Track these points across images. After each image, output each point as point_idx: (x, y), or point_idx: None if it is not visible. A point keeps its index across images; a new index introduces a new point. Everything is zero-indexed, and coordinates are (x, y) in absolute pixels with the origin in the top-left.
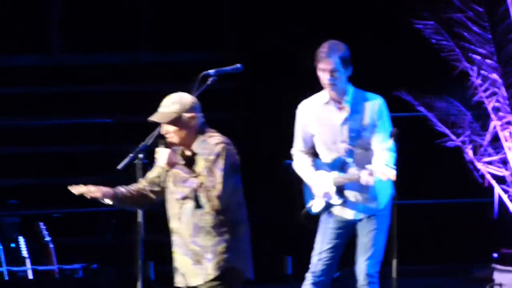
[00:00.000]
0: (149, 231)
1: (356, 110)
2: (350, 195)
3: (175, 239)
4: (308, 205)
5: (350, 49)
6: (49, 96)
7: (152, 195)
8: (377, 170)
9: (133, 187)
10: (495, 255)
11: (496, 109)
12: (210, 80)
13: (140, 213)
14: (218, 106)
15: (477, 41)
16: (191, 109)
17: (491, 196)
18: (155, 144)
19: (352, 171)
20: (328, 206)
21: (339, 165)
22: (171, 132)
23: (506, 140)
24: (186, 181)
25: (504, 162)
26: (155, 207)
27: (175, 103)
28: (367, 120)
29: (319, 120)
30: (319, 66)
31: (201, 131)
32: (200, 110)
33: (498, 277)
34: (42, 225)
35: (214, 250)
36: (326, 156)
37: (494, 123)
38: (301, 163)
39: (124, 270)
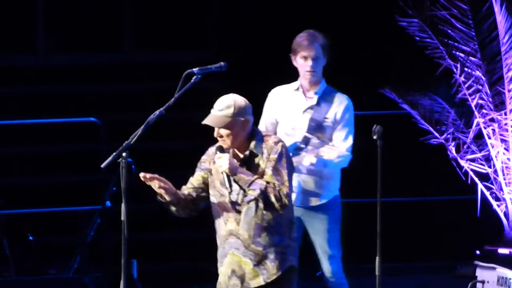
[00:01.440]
0: (132, 229)
1: (322, 103)
2: (297, 181)
3: (231, 241)
4: None
5: (335, 47)
6: (34, 96)
7: (198, 201)
8: (322, 148)
9: (182, 191)
10: (478, 252)
11: (479, 107)
12: (194, 78)
13: (123, 211)
14: (202, 105)
15: (461, 38)
16: (245, 112)
17: (474, 193)
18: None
19: (302, 155)
20: None
21: (293, 151)
22: (224, 136)
23: (490, 138)
24: (251, 184)
25: (487, 159)
26: (196, 214)
27: (229, 106)
28: (330, 115)
29: (285, 106)
30: (301, 53)
31: (253, 133)
32: (252, 113)
33: (480, 274)
34: (26, 225)
35: (276, 250)
36: (288, 141)
37: (478, 121)
38: None
39: (107, 268)
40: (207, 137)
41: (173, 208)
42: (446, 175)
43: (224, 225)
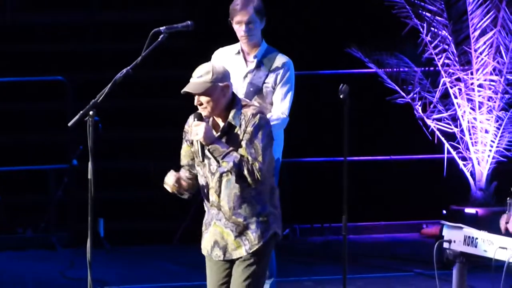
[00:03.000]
0: (99, 188)
1: (261, 67)
2: None
3: (213, 212)
4: None
5: (304, 7)
6: (0, 54)
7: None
8: None
9: (185, 175)
10: (445, 212)
11: (446, 66)
12: (161, 37)
13: (90, 170)
14: (169, 64)
15: None
16: (224, 77)
17: (441, 153)
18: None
19: None
20: None
21: None
22: (204, 103)
23: (456, 97)
24: (225, 156)
25: (454, 119)
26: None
27: (208, 72)
28: (270, 80)
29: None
30: (235, 19)
31: (233, 100)
32: (230, 79)
33: (447, 233)
34: None
35: (257, 220)
36: None
37: (444, 80)
38: None
39: (74, 226)
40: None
41: (185, 196)
42: (413, 135)
43: (207, 195)
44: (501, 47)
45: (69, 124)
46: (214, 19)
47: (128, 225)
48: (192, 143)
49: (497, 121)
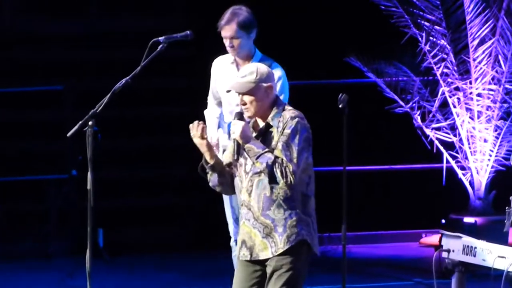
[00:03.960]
0: (99, 198)
1: None
2: None
3: (243, 212)
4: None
5: (302, 15)
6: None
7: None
8: None
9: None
10: (443, 221)
11: (445, 75)
12: (160, 47)
13: (89, 180)
14: (168, 73)
15: (426, 7)
16: (268, 78)
17: (439, 162)
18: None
19: None
20: None
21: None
22: (247, 103)
23: (455, 106)
24: (260, 156)
25: (452, 128)
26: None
27: (252, 72)
28: None
29: (222, 80)
30: (221, 33)
31: (275, 102)
32: (274, 80)
33: (446, 242)
34: None
35: (285, 223)
36: (226, 117)
37: (443, 89)
38: (208, 113)
39: (73, 237)
40: (172, 105)
41: (214, 177)
42: (412, 144)
43: (240, 194)
44: (499, 56)
45: (68, 134)
46: (213, 28)
47: (127, 235)
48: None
49: (496, 130)
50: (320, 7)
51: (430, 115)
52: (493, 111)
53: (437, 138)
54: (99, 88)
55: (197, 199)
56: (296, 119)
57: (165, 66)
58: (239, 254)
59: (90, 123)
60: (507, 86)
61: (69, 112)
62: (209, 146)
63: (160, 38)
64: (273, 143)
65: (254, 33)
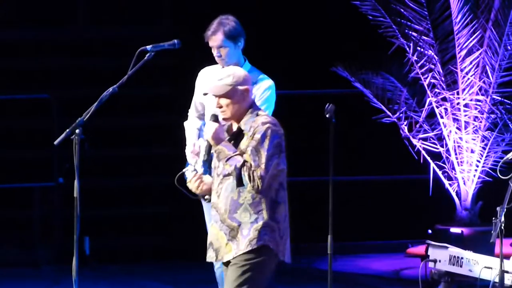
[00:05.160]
0: (85, 206)
1: None
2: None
3: (213, 213)
4: (184, 169)
5: (288, 25)
6: None
7: None
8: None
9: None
10: (430, 231)
11: (432, 86)
12: (147, 56)
13: (76, 188)
14: (156, 82)
15: (413, 17)
16: (245, 81)
17: (426, 172)
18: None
19: None
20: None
21: None
22: (224, 106)
23: (442, 117)
24: (230, 159)
25: (439, 138)
26: None
27: (229, 75)
28: None
29: None
30: (209, 43)
31: (251, 106)
32: (251, 83)
33: (432, 253)
34: None
35: (250, 227)
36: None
37: (430, 100)
38: (188, 126)
39: (59, 244)
40: (160, 114)
41: (207, 197)
42: (399, 154)
43: (212, 196)
44: (487, 67)
45: (55, 142)
46: (201, 36)
47: (113, 243)
48: None
49: (483, 141)
50: (307, 17)
51: (417, 126)
52: (480, 121)
53: (424, 149)
54: (86, 96)
55: (184, 208)
56: (267, 125)
57: (153, 75)
58: (207, 255)
59: (77, 131)
60: (494, 96)
61: (56, 120)
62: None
63: (147, 47)
64: (243, 147)
65: (242, 43)
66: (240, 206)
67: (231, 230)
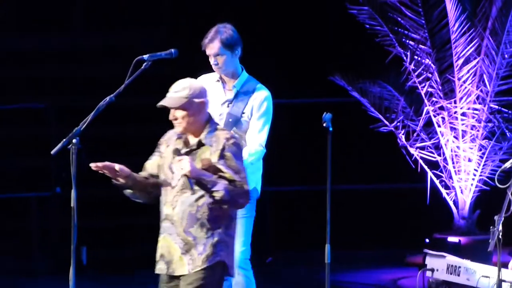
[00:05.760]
0: (83, 216)
1: (240, 97)
2: None
3: (166, 226)
4: None
5: (286, 35)
6: None
7: (154, 187)
8: None
9: (140, 174)
10: (427, 240)
11: (429, 94)
12: (144, 65)
13: (73, 198)
14: (152, 91)
15: (411, 26)
16: (201, 94)
17: (424, 181)
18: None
19: None
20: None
21: None
22: (179, 118)
23: (439, 126)
24: (216, 185)
25: (437, 147)
26: (155, 200)
27: (185, 88)
28: (247, 110)
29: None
30: (206, 51)
31: (208, 120)
32: (207, 96)
33: (430, 262)
34: None
35: (206, 242)
36: None
37: (427, 109)
38: None
39: (57, 254)
40: (155, 124)
41: (128, 191)
42: (396, 163)
43: (164, 207)
44: (484, 76)
45: (52, 152)
46: (197, 45)
47: (111, 253)
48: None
49: (480, 150)
50: (305, 26)
51: (415, 134)
52: (478, 130)
53: (421, 157)
54: (83, 105)
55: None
56: (233, 140)
57: (149, 84)
58: (156, 268)
59: (74, 140)
60: (491, 105)
61: (53, 130)
62: (127, 176)
63: (144, 56)
64: (206, 162)
65: (239, 51)
66: (198, 221)
67: (185, 243)
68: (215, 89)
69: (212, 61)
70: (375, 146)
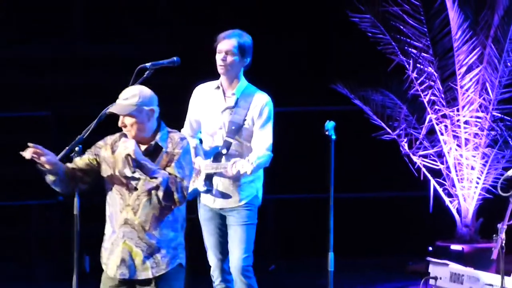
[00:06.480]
0: (85, 223)
1: (241, 104)
2: (214, 183)
3: (125, 230)
4: None
5: (287, 42)
6: None
7: (78, 181)
8: (238, 162)
9: (69, 165)
10: (430, 248)
11: (432, 103)
12: (146, 73)
13: (76, 205)
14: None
15: (413, 34)
16: (150, 102)
17: (426, 189)
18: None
19: (223, 162)
20: (194, 191)
21: (214, 154)
22: (128, 125)
23: (442, 134)
24: (155, 172)
25: (439, 155)
26: (73, 192)
27: (135, 95)
28: (248, 117)
29: (205, 104)
30: (218, 47)
31: (159, 125)
32: (158, 104)
33: (433, 270)
34: None
35: (168, 245)
36: (206, 143)
37: (430, 117)
38: None
39: (59, 262)
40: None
41: (51, 178)
42: (399, 171)
43: (120, 213)
44: (487, 84)
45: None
46: (197, 54)
47: None
48: (102, 159)
49: (483, 158)
50: (307, 34)
51: (417, 142)
52: (481, 138)
53: (424, 166)
54: (86, 114)
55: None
56: (185, 140)
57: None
58: (116, 274)
59: (77, 148)
60: (494, 113)
61: (56, 138)
62: (54, 164)
63: (146, 64)
64: (162, 163)
65: (248, 60)
66: (161, 223)
67: (148, 247)
68: (214, 96)
69: (220, 56)
70: (378, 154)
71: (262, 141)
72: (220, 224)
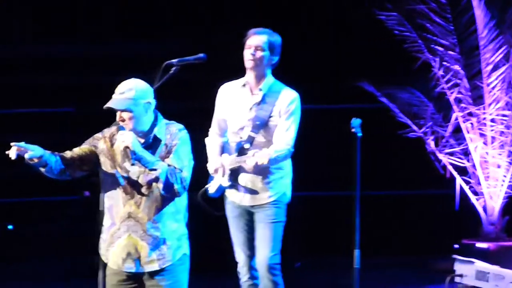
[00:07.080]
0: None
1: (267, 100)
2: (242, 180)
3: (129, 224)
4: (207, 185)
5: (315, 41)
6: (11, 86)
7: (75, 168)
8: (257, 154)
9: (68, 153)
10: (456, 246)
11: (458, 100)
12: (173, 69)
13: (101, 201)
14: (181, 96)
15: (439, 32)
16: (146, 95)
17: (452, 187)
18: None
19: (245, 156)
20: (221, 188)
21: (238, 150)
22: (126, 119)
23: (468, 132)
24: (155, 163)
25: (465, 153)
26: (69, 179)
27: (131, 89)
28: (275, 112)
29: (232, 103)
30: (248, 42)
31: (156, 118)
32: (154, 97)
33: (459, 268)
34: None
35: (173, 236)
36: (232, 139)
37: (456, 114)
38: (210, 143)
39: (86, 258)
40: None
41: (41, 169)
42: (425, 169)
43: (123, 206)
44: None
45: None
46: (218, 52)
47: None
48: (100, 151)
49: (509, 156)
50: (334, 33)
51: (443, 140)
52: (507, 136)
53: (450, 163)
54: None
55: (200, 223)
56: (184, 131)
57: (172, 89)
58: (122, 267)
59: None
60: None
61: (81, 134)
62: (40, 157)
63: (173, 60)
64: (162, 154)
65: (276, 59)
66: (164, 215)
67: (154, 239)
68: (241, 93)
69: (250, 51)
70: (404, 151)
71: (284, 135)
72: (248, 221)
